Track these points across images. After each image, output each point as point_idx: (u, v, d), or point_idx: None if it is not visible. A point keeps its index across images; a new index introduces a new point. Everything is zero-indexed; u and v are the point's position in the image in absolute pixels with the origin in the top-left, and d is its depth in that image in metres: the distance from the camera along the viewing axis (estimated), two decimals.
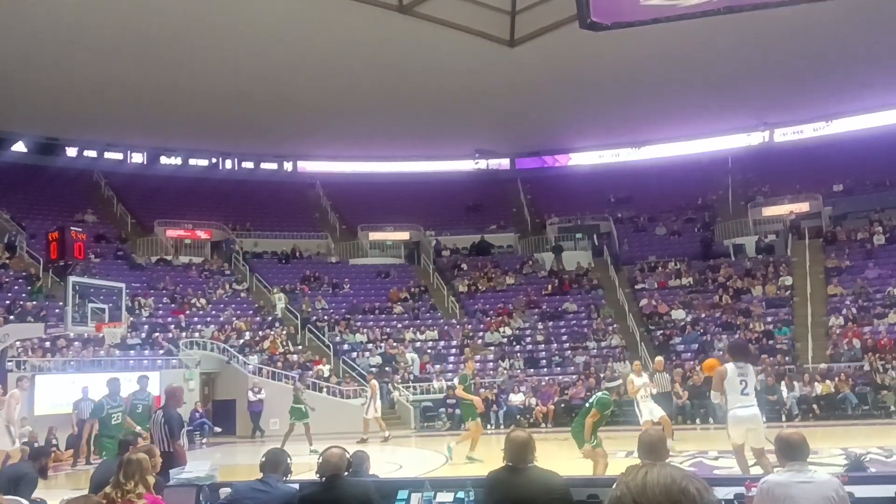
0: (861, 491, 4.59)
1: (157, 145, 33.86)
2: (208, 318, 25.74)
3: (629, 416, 19.32)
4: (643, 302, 27.29)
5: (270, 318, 26.69)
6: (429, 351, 25.73)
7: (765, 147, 33.91)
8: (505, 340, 26.06)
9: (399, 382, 23.63)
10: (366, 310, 28.06)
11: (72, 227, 17.89)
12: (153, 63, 25.61)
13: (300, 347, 25.36)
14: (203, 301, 26.69)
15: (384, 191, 33.69)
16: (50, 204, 30.23)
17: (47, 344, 20.35)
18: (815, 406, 19.83)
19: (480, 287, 29.71)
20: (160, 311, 25.41)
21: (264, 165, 36.10)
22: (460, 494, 4.92)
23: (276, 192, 34.31)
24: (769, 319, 24.77)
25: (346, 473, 5.03)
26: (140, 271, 27.78)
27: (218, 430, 21.34)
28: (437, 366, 24.81)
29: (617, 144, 35.82)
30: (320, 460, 5.00)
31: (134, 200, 32.70)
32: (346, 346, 25.66)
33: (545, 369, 24.51)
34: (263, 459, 5.29)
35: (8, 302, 22.31)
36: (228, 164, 35.72)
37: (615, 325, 26.18)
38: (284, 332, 25.81)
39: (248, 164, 35.85)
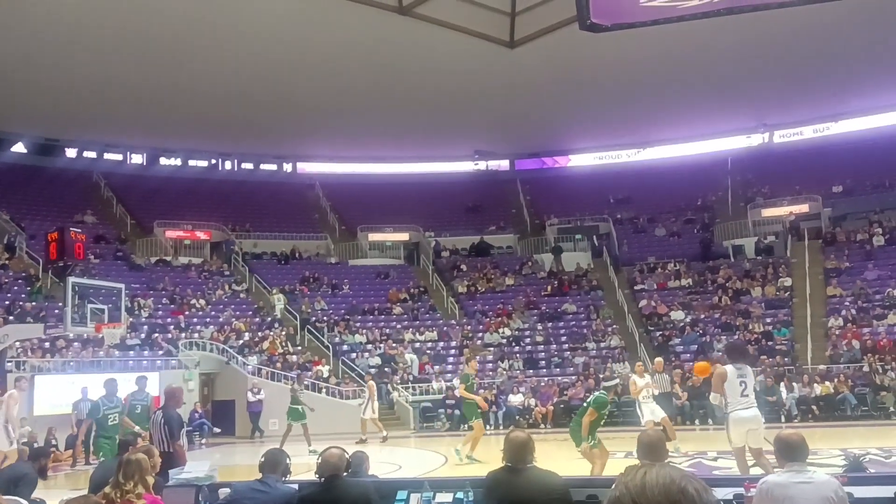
0: (860, 492, 4.59)
1: (157, 146, 33.87)
2: (208, 319, 25.74)
3: (629, 417, 19.36)
4: (642, 303, 27.30)
5: (270, 318, 26.70)
6: (428, 352, 25.73)
7: (764, 148, 33.93)
8: (504, 341, 26.06)
9: (398, 383, 23.63)
10: (365, 310, 28.07)
11: (71, 228, 17.86)
12: (153, 63, 25.61)
13: (299, 348, 25.37)
14: (202, 302, 26.69)
15: (384, 192, 33.70)
16: (49, 204, 30.23)
17: (47, 344, 20.35)
18: (814, 407, 19.83)
19: (480, 288, 29.72)
20: (159, 312, 25.41)
21: (264, 166, 36.10)
22: (459, 495, 4.92)
23: (275, 192, 34.32)
24: (768, 320, 24.77)
25: (345, 474, 5.04)
26: (139, 272, 27.77)
27: (217, 430, 21.34)
28: (437, 366, 24.82)
29: (616, 146, 35.82)
30: (319, 461, 5.00)
31: (133, 201, 32.70)
32: (345, 347, 25.66)
33: (544, 370, 24.51)
34: (262, 460, 5.29)
35: (7, 302, 22.31)
36: (228, 164, 35.72)
37: (614, 326, 26.18)
38: (284, 333, 25.82)
39: (248, 165, 35.86)
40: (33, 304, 22.42)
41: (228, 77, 26.86)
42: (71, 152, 33.18)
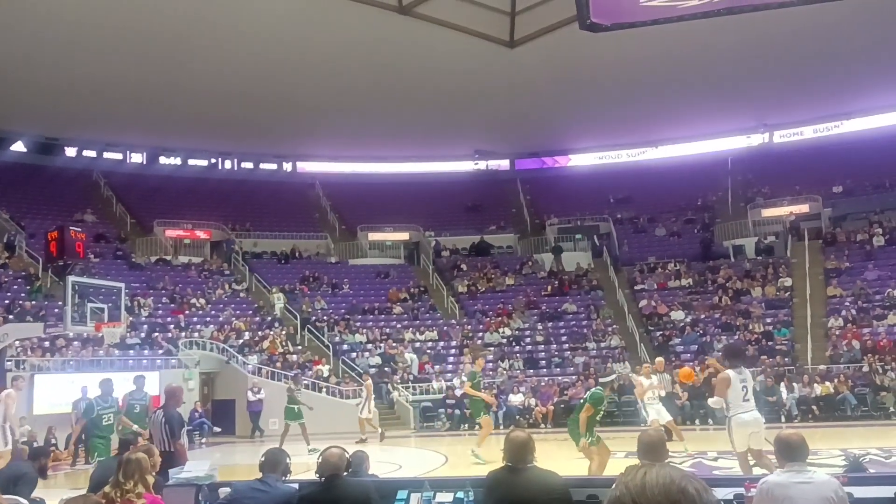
0: (860, 492, 4.59)
1: (157, 145, 33.87)
2: (208, 318, 25.74)
3: (629, 417, 19.38)
4: (643, 303, 27.30)
5: (270, 318, 26.70)
6: (428, 351, 25.73)
7: (764, 148, 33.94)
8: (504, 341, 26.06)
9: (398, 383, 23.63)
10: (365, 310, 28.07)
11: (71, 227, 17.83)
12: (153, 63, 25.61)
13: (299, 347, 25.36)
14: (202, 301, 26.68)
15: (384, 191, 33.70)
16: (49, 203, 30.21)
17: (46, 343, 20.34)
18: (814, 407, 19.84)
19: (480, 287, 29.72)
20: (159, 311, 25.41)
21: (264, 165, 36.11)
22: (460, 494, 4.92)
23: (275, 192, 34.30)
24: (769, 320, 24.77)
25: (345, 473, 5.04)
26: (139, 271, 27.77)
27: (217, 429, 21.34)
28: (437, 366, 24.83)
29: (617, 145, 35.83)
30: (320, 460, 5.00)
31: (133, 200, 32.70)
32: (345, 347, 25.66)
33: (545, 370, 24.51)
34: (263, 459, 5.29)
35: (7, 301, 22.30)
36: (228, 164, 35.72)
37: (615, 326, 26.19)
38: (284, 333, 25.82)
39: (248, 165, 35.86)
40: (33, 303, 22.42)
41: (228, 76, 26.85)
42: (71, 151, 33.20)
